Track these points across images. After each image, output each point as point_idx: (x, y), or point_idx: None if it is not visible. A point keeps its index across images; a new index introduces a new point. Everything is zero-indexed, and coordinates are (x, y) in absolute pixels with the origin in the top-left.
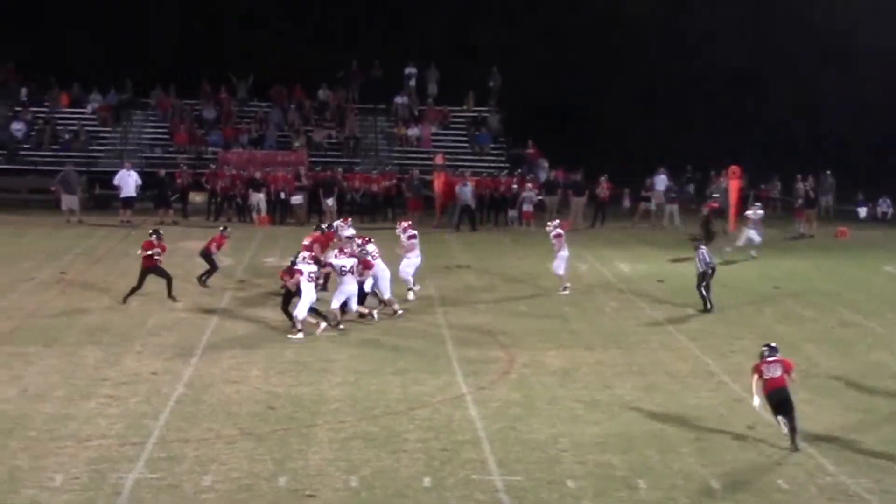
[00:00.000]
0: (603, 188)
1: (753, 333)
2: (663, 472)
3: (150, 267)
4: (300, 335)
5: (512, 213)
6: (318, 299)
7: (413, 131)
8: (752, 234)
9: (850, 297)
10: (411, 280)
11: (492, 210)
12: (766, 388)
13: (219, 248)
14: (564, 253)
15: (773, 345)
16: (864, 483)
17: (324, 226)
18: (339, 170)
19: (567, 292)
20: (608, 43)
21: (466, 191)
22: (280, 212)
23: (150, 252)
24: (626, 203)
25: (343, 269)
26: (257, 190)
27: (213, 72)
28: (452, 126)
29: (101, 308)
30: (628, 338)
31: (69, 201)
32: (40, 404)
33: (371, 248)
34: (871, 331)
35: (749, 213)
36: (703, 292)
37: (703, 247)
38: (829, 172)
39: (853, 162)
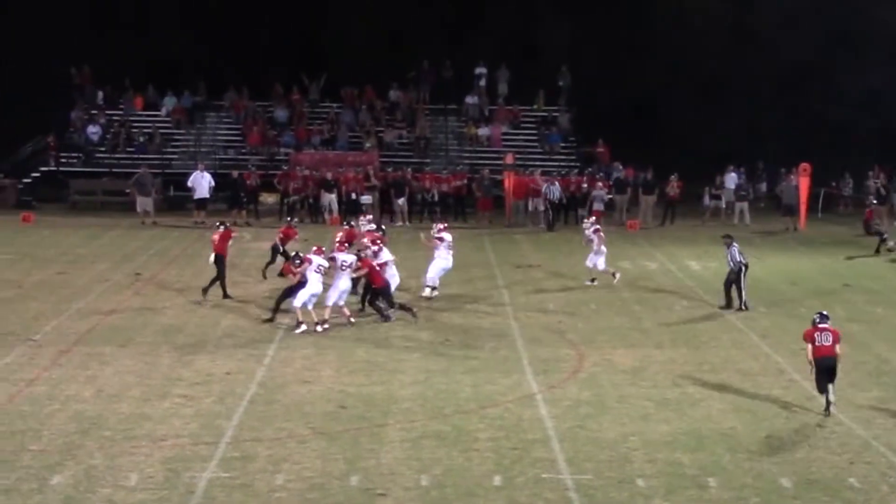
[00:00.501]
0: (673, 186)
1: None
2: (734, 471)
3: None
4: (303, 327)
5: (582, 212)
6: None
7: (483, 131)
8: None
9: None
10: (431, 279)
11: (563, 209)
12: (815, 354)
13: (285, 239)
14: (604, 249)
15: (824, 312)
16: None
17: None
18: (409, 170)
19: (595, 283)
20: (676, 40)
21: (555, 189)
22: (351, 212)
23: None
24: (707, 201)
25: (344, 263)
26: (329, 190)
27: (285, 73)
28: (522, 126)
29: (175, 309)
30: (698, 336)
31: (144, 203)
32: (116, 404)
33: (385, 253)
34: None
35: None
36: (732, 291)
37: (735, 245)
38: None
39: None
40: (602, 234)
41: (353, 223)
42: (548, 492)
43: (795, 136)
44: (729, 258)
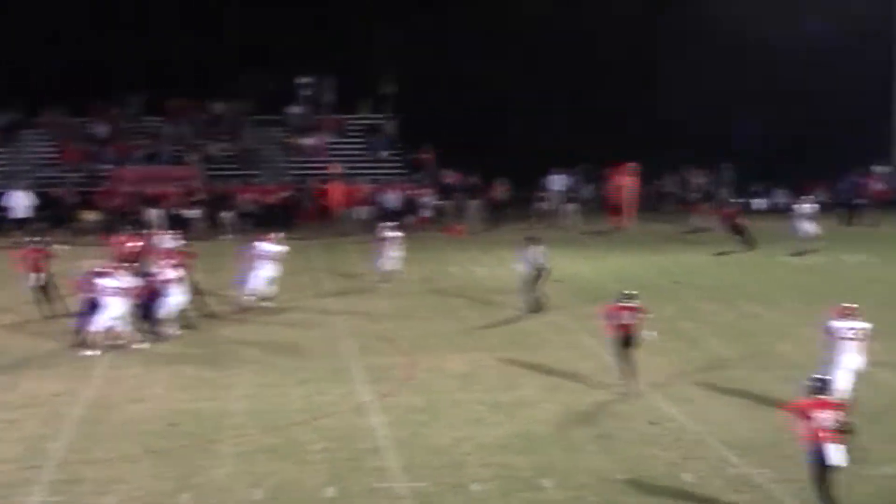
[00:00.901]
0: (500, 190)
1: (655, 330)
2: (569, 472)
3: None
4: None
5: (408, 218)
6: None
7: (308, 141)
8: (808, 227)
9: (751, 288)
10: (254, 289)
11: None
12: (618, 330)
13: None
14: (393, 253)
15: (627, 291)
16: (767, 473)
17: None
18: (235, 182)
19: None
20: (501, 44)
21: (389, 198)
22: (176, 227)
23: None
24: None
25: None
26: (152, 206)
27: (105, 88)
28: (348, 134)
29: None
30: (529, 338)
31: None
32: None
33: (171, 272)
34: (772, 321)
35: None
36: (529, 293)
37: (533, 247)
38: (726, 166)
39: (749, 154)
40: (391, 238)
41: (145, 236)
42: (383, 501)
43: (622, 137)
44: (524, 260)
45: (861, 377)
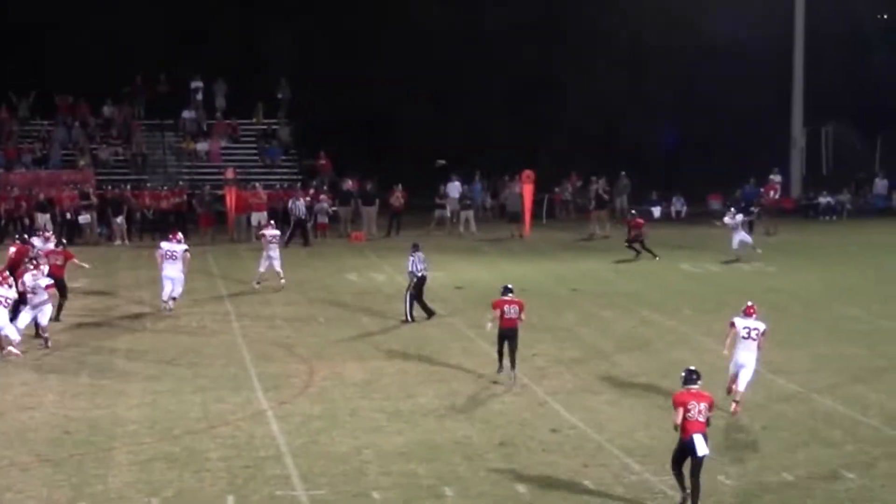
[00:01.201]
0: (397, 197)
1: (554, 337)
2: (470, 479)
3: None
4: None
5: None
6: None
7: (202, 146)
8: (743, 237)
9: (649, 296)
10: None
11: (286, 223)
12: (502, 324)
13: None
14: (272, 254)
15: (509, 286)
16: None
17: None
18: (128, 187)
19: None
20: (398, 50)
21: (300, 205)
22: (68, 232)
23: None
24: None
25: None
26: (43, 211)
27: None
28: (242, 139)
29: None
30: (429, 345)
31: None
32: None
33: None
34: (670, 329)
35: (726, 219)
36: (408, 301)
37: (415, 254)
38: (623, 174)
39: (646, 162)
40: (269, 240)
41: (25, 238)
42: None
43: (520, 143)
44: (410, 266)
45: (758, 383)
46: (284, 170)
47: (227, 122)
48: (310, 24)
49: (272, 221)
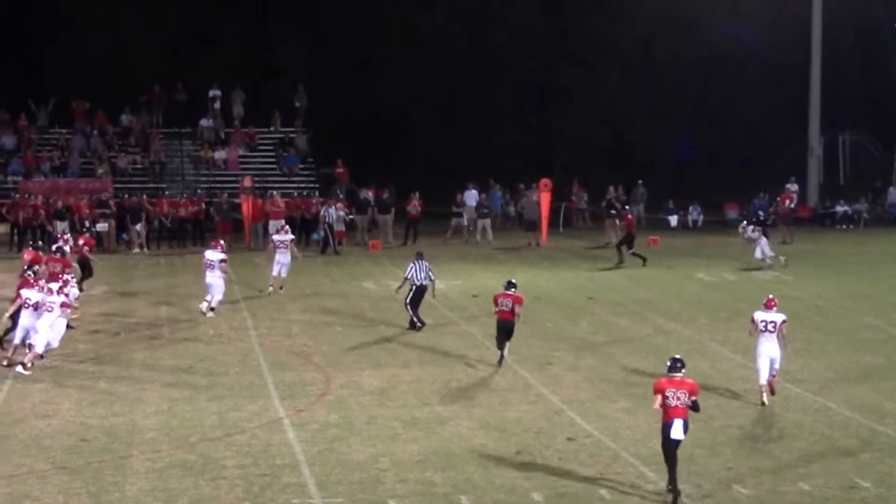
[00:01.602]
0: (414, 205)
1: (570, 345)
2: (486, 488)
3: None
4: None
5: (316, 234)
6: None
7: (219, 154)
8: (763, 247)
9: (665, 304)
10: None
11: (303, 231)
12: (498, 315)
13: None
14: (282, 259)
15: (512, 280)
16: (686, 489)
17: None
18: (145, 196)
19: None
20: (411, 61)
21: (332, 213)
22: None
23: None
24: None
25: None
26: (61, 219)
27: (11, 99)
28: (260, 148)
29: None
30: (446, 354)
31: None
32: None
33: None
34: (686, 337)
35: (745, 235)
36: (409, 309)
37: (417, 262)
38: (640, 182)
39: (659, 170)
40: (280, 244)
41: (39, 246)
42: None
43: (535, 152)
44: (408, 273)
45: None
46: (302, 178)
47: (245, 130)
48: (326, 32)
49: (286, 227)
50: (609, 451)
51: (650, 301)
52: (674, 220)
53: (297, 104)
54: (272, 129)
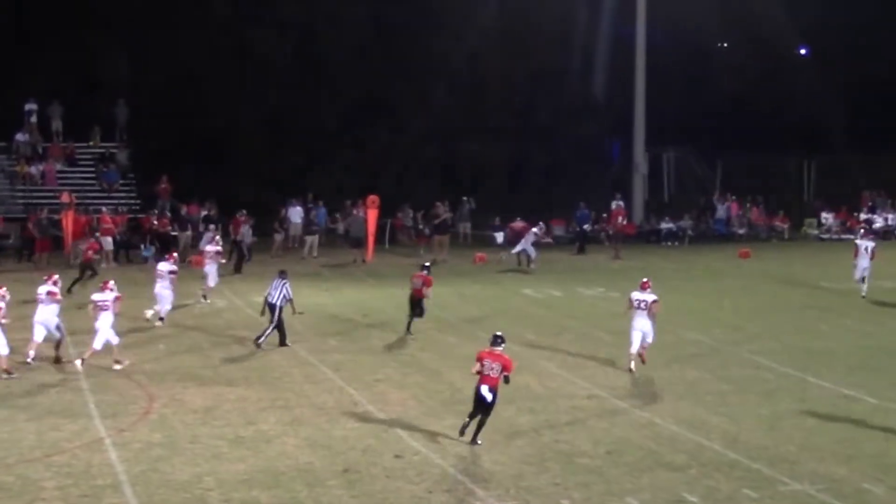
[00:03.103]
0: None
1: (397, 362)
2: None
3: None
4: None
5: (146, 251)
6: None
7: (36, 169)
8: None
9: (493, 321)
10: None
11: (125, 249)
12: (414, 293)
13: None
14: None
15: (426, 263)
16: None
17: None
18: None
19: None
20: (234, 75)
21: (246, 231)
22: None
23: None
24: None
25: None
26: None
27: None
28: (79, 162)
29: None
30: (271, 372)
31: None
32: None
33: None
34: (513, 354)
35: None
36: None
37: (285, 280)
38: (466, 199)
39: (488, 187)
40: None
41: None
42: None
43: (359, 168)
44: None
45: (600, 407)
46: (122, 194)
47: (64, 145)
48: (148, 46)
49: (217, 238)
50: (437, 467)
51: (478, 318)
52: (500, 236)
53: (118, 119)
54: (91, 143)
